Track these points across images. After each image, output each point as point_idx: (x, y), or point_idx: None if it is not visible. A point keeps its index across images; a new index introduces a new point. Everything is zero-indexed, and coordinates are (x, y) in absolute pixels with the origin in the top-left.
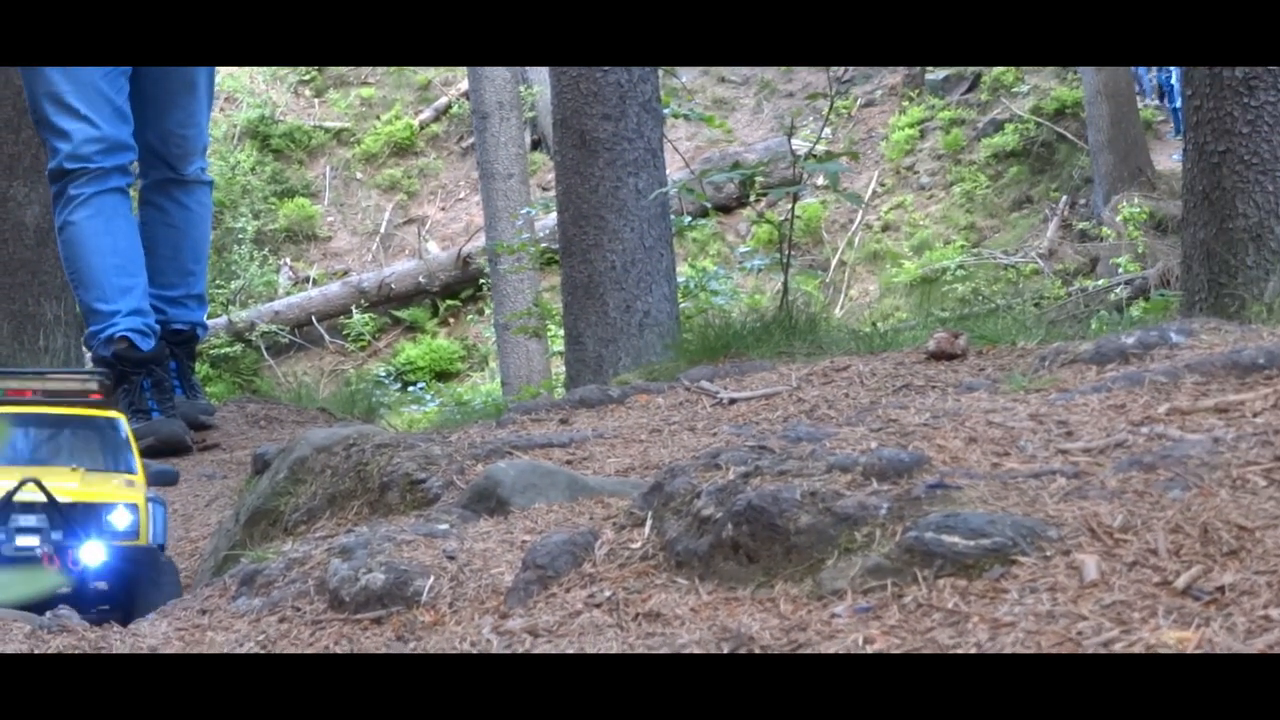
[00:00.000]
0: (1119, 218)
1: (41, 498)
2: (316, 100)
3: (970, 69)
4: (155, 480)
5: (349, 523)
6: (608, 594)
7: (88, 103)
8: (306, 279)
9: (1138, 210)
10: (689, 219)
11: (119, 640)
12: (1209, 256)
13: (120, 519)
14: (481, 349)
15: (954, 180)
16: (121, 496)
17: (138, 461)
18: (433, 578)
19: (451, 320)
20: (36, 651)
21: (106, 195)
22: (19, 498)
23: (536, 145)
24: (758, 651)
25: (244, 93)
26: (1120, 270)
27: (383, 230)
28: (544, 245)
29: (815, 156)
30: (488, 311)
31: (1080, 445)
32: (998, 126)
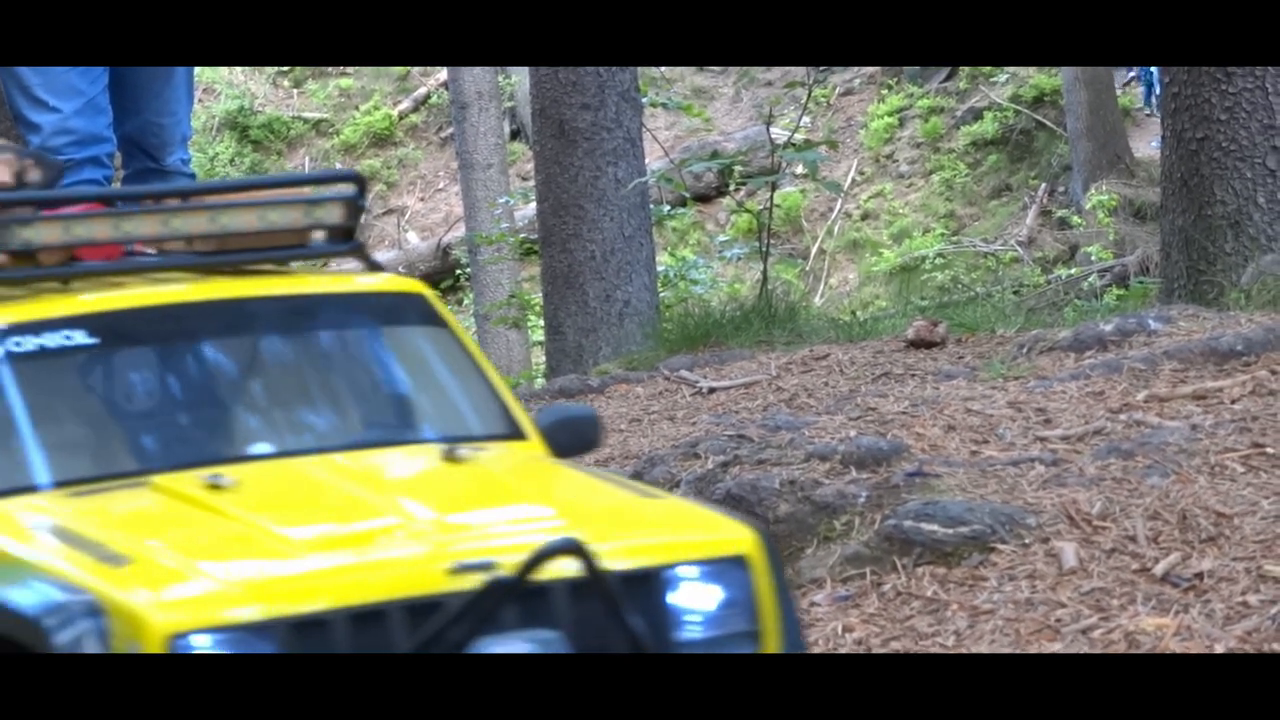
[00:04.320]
0: (1088, 205)
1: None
2: (295, 91)
3: None
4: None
5: None
6: None
7: (57, 95)
8: None
9: (1107, 197)
10: (668, 208)
11: None
12: (1187, 243)
13: (698, 598)
14: None
15: (933, 168)
16: (697, 549)
17: (518, 409)
18: None
19: None
20: None
21: (79, 188)
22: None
23: (515, 135)
24: None
25: (222, 84)
26: (1093, 258)
27: (362, 221)
28: (523, 235)
29: (794, 145)
30: (467, 301)
31: (1059, 432)
32: (976, 114)
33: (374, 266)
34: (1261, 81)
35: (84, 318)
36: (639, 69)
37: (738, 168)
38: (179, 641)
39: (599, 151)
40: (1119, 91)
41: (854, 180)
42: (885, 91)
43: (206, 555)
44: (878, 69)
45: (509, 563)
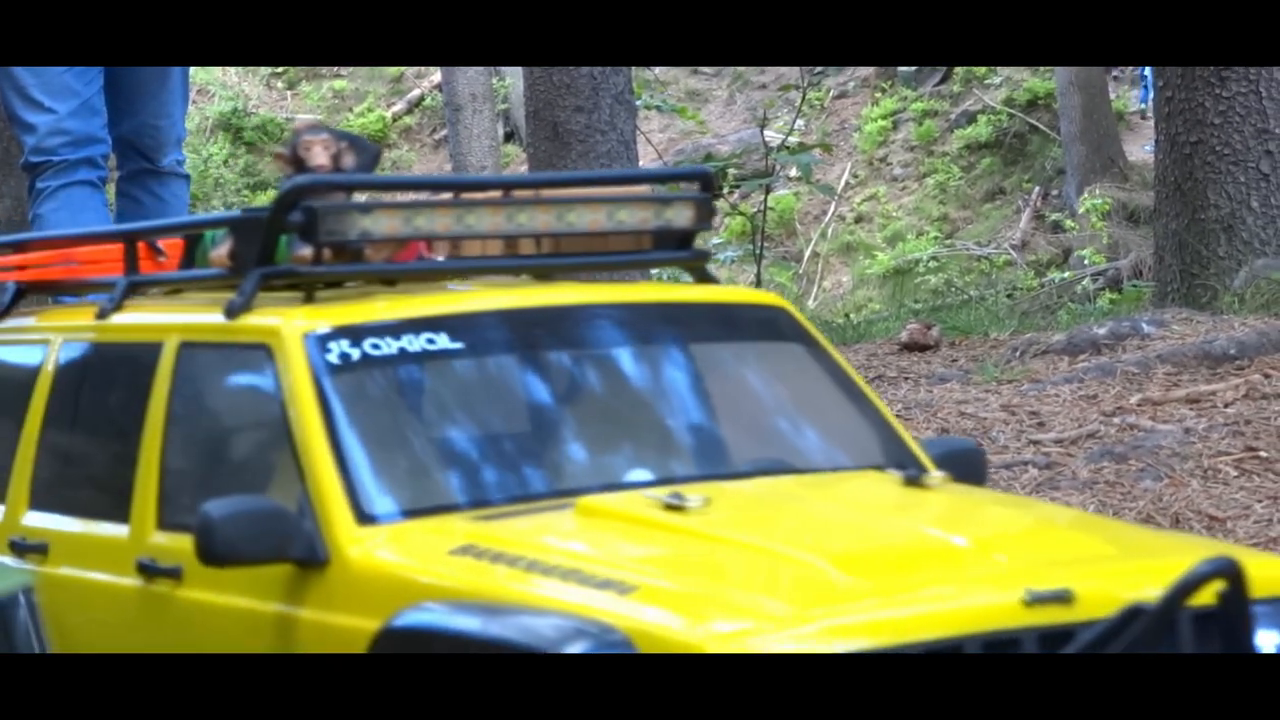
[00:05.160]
0: (1082, 208)
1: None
2: (289, 93)
3: None
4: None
5: None
6: None
7: (52, 96)
8: None
9: (1100, 201)
10: None
11: None
12: (1181, 247)
13: (1267, 639)
14: None
15: (927, 171)
16: (1270, 585)
17: (908, 435)
18: None
19: None
20: None
21: (74, 188)
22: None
23: (509, 137)
24: None
25: (216, 85)
26: (1086, 262)
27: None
28: None
29: (788, 148)
30: None
31: (1052, 436)
32: (970, 118)
33: (707, 279)
34: (1255, 86)
35: (444, 319)
36: (633, 72)
37: (731, 170)
38: None
39: (593, 154)
40: (1113, 96)
41: (848, 183)
42: (879, 95)
43: (735, 584)
44: (872, 72)
45: (1085, 591)
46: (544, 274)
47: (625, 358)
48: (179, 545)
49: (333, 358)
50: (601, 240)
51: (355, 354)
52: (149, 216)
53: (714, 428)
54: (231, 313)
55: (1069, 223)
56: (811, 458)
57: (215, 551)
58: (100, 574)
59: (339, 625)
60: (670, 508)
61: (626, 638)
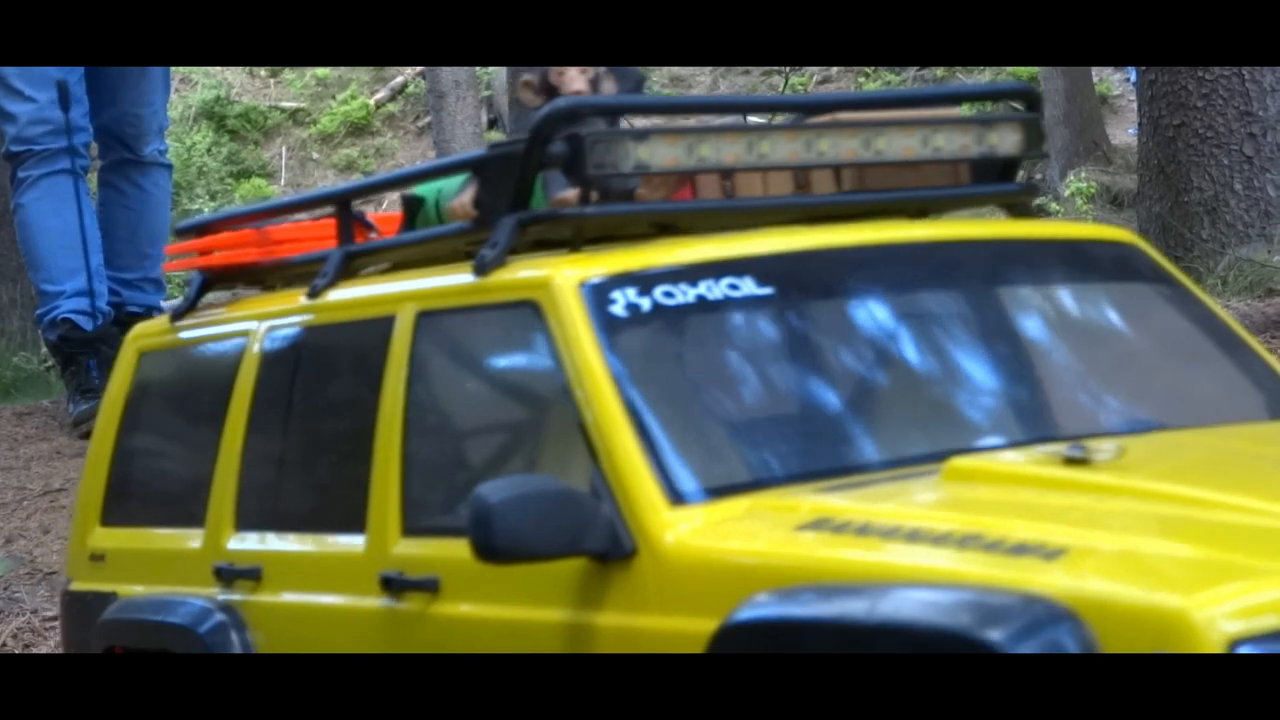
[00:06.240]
0: (1066, 192)
1: None
2: (272, 80)
3: None
4: None
5: None
6: None
7: (33, 85)
8: None
9: (1085, 184)
10: None
11: None
12: (1164, 230)
13: None
14: None
15: None
16: None
17: None
18: None
19: None
20: None
21: (55, 177)
22: None
23: (493, 124)
24: None
25: (199, 74)
26: None
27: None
28: None
29: None
30: None
31: None
32: (954, 103)
33: (1029, 217)
34: (1238, 69)
35: (749, 260)
36: None
37: None
38: (1241, 648)
39: None
40: (1096, 80)
41: None
42: (863, 80)
43: (1201, 544)
44: None
45: None
46: (845, 214)
47: (964, 303)
48: (433, 552)
49: (618, 310)
50: (912, 172)
51: (645, 304)
52: (131, 206)
53: (1076, 382)
54: (483, 268)
55: (1054, 206)
56: (1201, 414)
57: (496, 545)
58: (332, 596)
59: (656, 629)
60: (1073, 462)
61: (1069, 610)
